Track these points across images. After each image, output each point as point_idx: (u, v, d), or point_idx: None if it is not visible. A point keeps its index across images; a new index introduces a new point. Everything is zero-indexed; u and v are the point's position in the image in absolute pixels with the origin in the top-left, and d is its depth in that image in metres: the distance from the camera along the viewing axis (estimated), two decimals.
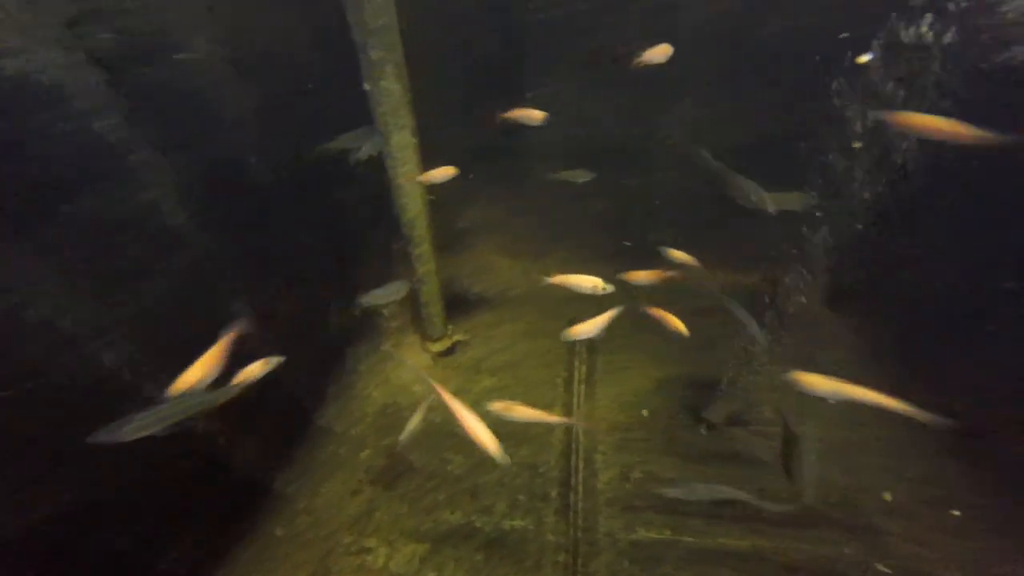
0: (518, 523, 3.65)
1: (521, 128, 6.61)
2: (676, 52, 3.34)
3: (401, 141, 3.61)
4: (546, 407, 4.45)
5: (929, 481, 3.77)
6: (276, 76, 4.43)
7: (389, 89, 3.35)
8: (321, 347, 5.04)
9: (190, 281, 3.68)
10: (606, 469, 3.96)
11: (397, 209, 4.02)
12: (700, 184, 5.69)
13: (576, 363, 4.81)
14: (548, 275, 3.65)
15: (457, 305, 5.25)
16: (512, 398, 4.51)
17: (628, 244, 5.45)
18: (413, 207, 4.00)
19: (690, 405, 4.34)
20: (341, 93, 4.21)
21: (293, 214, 4.78)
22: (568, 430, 4.21)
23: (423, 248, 4.26)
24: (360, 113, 3.53)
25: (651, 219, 5.81)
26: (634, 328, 5.11)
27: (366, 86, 3.36)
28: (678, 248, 3.69)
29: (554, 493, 3.80)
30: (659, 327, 3.35)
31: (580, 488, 3.80)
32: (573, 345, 4.93)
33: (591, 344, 4.99)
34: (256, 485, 3.95)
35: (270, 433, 4.10)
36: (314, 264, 5.03)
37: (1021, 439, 3.83)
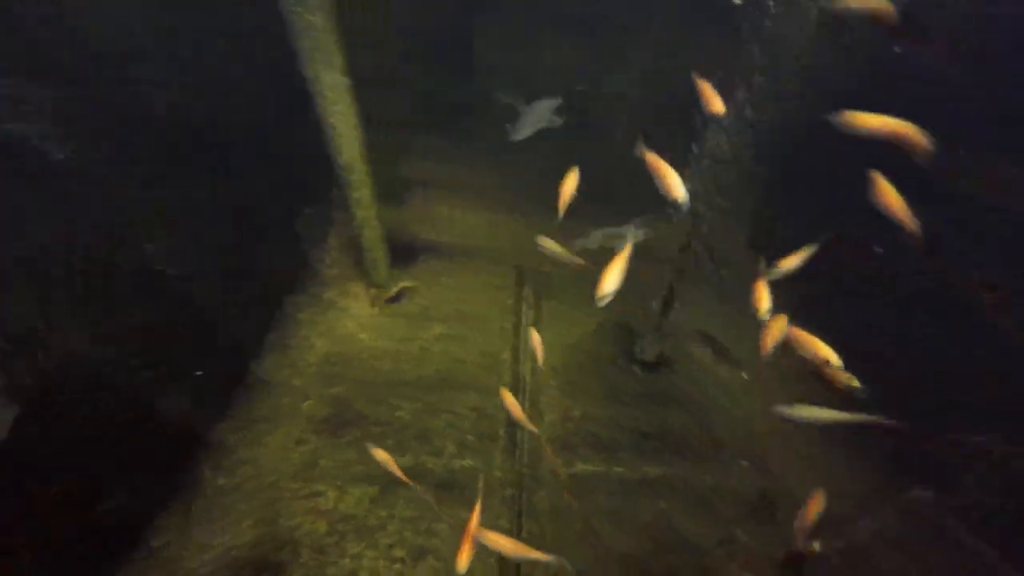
0: (467, 463, 3.80)
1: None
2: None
3: (331, 81, 3.43)
4: (496, 351, 4.60)
5: None
6: None
7: (312, 23, 3.10)
8: (257, 296, 4.77)
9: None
10: (550, 411, 4.18)
11: (333, 152, 3.81)
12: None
13: (524, 308, 4.94)
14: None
15: (404, 253, 5.13)
16: (463, 344, 4.65)
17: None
18: (349, 150, 3.81)
19: (625, 348, 4.65)
20: None
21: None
22: (515, 374, 4.37)
23: (362, 192, 4.12)
24: None
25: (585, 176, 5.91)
26: (575, 276, 5.32)
27: None
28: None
29: (502, 432, 3.98)
30: None
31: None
32: (520, 292, 5.04)
33: (538, 290, 5.12)
34: (194, 436, 3.79)
35: (207, 383, 3.91)
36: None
37: None
